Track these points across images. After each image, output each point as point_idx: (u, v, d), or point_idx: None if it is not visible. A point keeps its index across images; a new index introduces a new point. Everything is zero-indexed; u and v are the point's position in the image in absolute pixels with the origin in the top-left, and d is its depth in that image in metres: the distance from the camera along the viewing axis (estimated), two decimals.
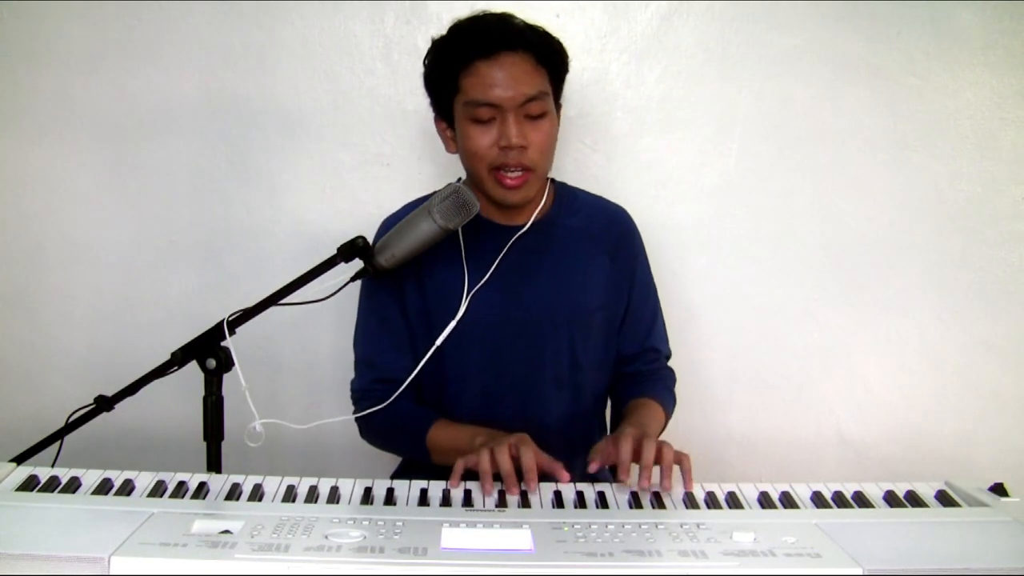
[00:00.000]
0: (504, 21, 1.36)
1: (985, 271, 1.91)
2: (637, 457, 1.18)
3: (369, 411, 1.43)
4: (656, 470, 1.16)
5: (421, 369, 1.43)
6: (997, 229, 1.90)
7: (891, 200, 1.89)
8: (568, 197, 1.54)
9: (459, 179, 1.53)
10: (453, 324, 1.42)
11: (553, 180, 1.55)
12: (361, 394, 1.49)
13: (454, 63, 1.36)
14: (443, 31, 1.41)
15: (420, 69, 1.83)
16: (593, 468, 1.20)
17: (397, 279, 1.46)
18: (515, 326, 1.45)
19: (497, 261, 1.44)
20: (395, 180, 1.87)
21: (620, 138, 1.86)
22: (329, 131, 1.86)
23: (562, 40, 1.41)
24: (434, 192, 1.35)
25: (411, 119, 1.85)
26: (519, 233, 1.46)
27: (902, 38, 1.83)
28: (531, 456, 1.16)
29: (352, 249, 1.31)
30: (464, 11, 1.79)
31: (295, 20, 1.82)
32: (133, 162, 1.87)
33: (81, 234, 1.89)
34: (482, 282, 1.44)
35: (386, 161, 1.87)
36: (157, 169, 1.87)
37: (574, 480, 1.18)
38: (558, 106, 1.44)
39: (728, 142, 1.87)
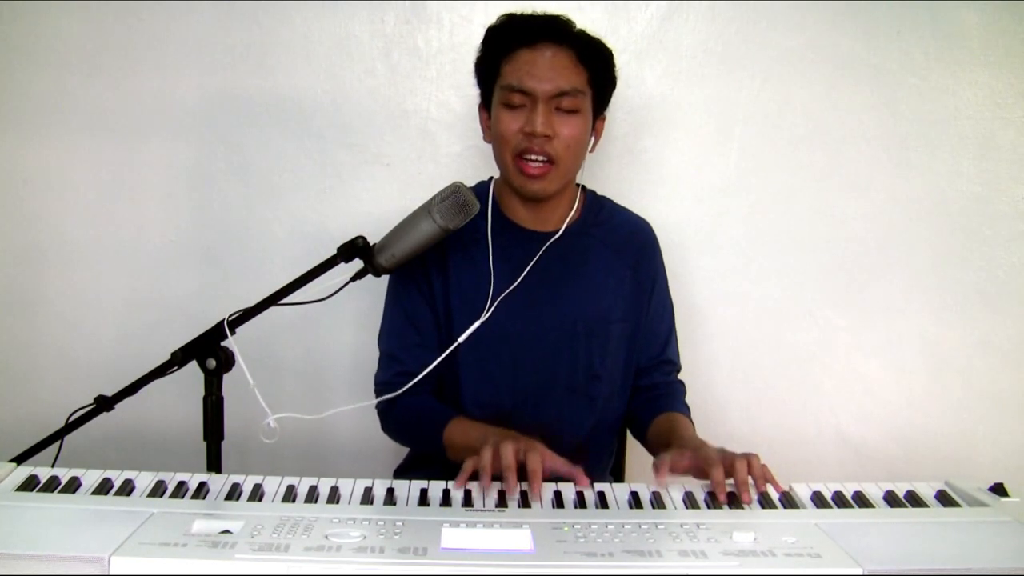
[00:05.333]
0: (553, 16, 1.40)
1: (985, 271, 1.91)
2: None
3: (385, 398, 1.45)
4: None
5: (440, 367, 1.44)
6: (997, 229, 1.90)
7: (891, 200, 1.89)
8: (596, 207, 1.55)
9: (490, 178, 1.54)
10: (477, 325, 1.42)
11: (583, 188, 1.56)
12: (383, 387, 1.49)
13: (498, 48, 1.39)
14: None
15: (420, 69, 1.85)
16: (661, 480, 1.17)
17: (425, 274, 1.47)
18: (534, 332, 1.46)
19: (528, 268, 1.44)
20: (395, 180, 1.87)
21: (620, 138, 1.86)
22: (329, 131, 1.86)
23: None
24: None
25: (411, 119, 1.85)
26: (552, 240, 1.47)
27: (902, 38, 1.83)
28: (536, 459, 1.14)
29: (352, 249, 1.31)
30: (463, 11, 1.81)
31: (295, 20, 1.82)
32: (133, 162, 1.87)
33: (81, 234, 1.89)
34: (509, 289, 1.44)
35: (386, 161, 1.87)
36: (157, 169, 1.87)
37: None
38: (600, 117, 1.46)
39: (728, 142, 1.87)
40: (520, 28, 1.38)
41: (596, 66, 1.40)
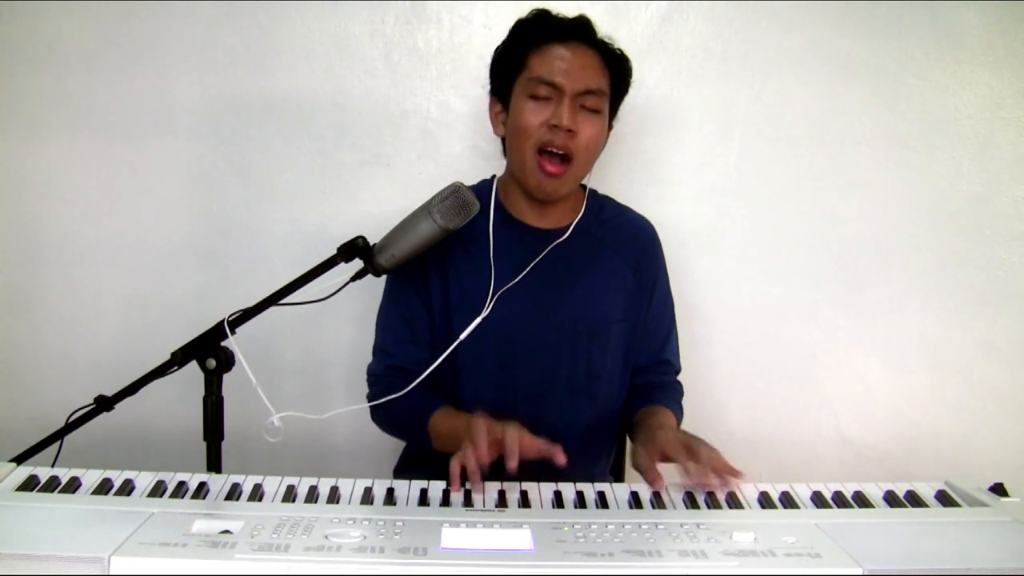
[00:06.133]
0: (584, 19, 1.42)
1: (985, 271, 1.91)
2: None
3: (384, 400, 1.43)
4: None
5: (439, 365, 1.43)
6: (997, 229, 1.90)
7: (891, 200, 1.89)
8: (598, 206, 1.55)
9: (493, 176, 1.54)
10: (476, 323, 1.42)
11: (584, 187, 1.56)
12: (375, 378, 1.51)
13: (528, 41, 1.40)
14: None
15: (420, 69, 1.85)
16: (662, 484, 1.17)
17: (424, 276, 1.47)
18: (534, 331, 1.46)
19: (531, 265, 1.45)
20: (395, 180, 1.87)
21: (620, 138, 1.86)
22: (329, 131, 1.86)
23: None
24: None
25: (411, 119, 1.85)
26: (559, 240, 1.47)
27: (902, 38, 1.83)
28: (514, 435, 1.15)
29: (352, 249, 1.31)
30: (463, 11, 1.81)
31: (295, 20, 1.82)
32: (133, 162, 1.87)
33: (81, 234, 1.89)
34: (510, 285, 1.44)
35: (386, 161, 1.87)
36: (157, 169, 1.87)
37: (578, 479, 1.18)
38: (610, 125, 1.47)
39: (728, 142, 1.87)
40: (553, 23, 1.41)
41: (617, 73, 1.44)
